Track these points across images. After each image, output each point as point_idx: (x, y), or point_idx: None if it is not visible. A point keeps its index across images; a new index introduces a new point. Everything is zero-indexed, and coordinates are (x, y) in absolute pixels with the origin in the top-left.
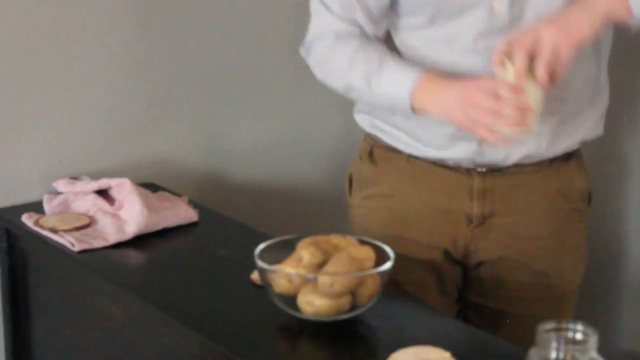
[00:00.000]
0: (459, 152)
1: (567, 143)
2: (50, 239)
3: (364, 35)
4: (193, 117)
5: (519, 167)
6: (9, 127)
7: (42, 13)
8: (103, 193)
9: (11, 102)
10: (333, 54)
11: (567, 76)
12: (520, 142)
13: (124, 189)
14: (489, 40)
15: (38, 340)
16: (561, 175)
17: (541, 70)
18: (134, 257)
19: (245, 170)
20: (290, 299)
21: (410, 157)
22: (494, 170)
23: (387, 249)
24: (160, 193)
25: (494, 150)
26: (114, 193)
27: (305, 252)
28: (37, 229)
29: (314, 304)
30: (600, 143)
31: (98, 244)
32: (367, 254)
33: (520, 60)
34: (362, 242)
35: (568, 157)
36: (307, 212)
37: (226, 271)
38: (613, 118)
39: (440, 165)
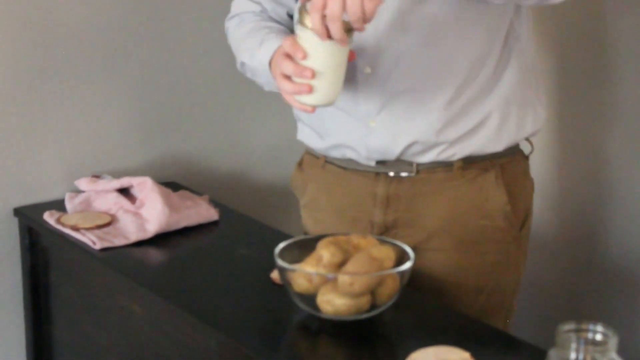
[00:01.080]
0: (353, 138)
1: (463, 130)
2: (72, 237)
3: (267, 15)
4: (214, 117)
5: (427, 174)
6: (32, 126)
7: (67, 11)
8: (124, 191)
9: (34, 102)
10: (234, 34)
11: (445, 54)
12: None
13: (145, 188)
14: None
15: (59, 337)
16: (475, 187)
17: (315, 22)
18: (155, 255)
19: (266, 170)
20: (310, 298)
21: (326, 163)
22: (401, 176)
23: (407, 248)
24: (181, 192)
25: (379, 133)
26: (135, 192)
27: (325, 252)
28: (58, 227)
29: (333, 303)
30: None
31: (119, 242)
32: (387, 253)
33: (313, 20)
34: (382, 242)
35: (485, 169)
36: None
37: (246, 270)
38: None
39: (351, 170)
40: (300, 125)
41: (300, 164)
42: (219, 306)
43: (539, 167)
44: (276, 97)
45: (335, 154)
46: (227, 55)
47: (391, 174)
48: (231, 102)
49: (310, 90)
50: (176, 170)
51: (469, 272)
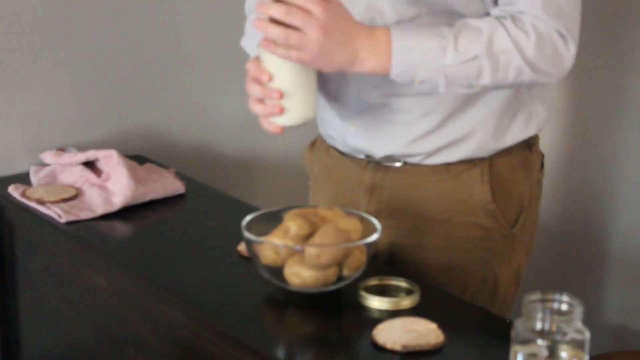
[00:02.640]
0: (338, 135)
1: (445, 141)
2: (37, 211)
3: None
4: (181, 89)
5: (413, 166)
6: None
7: None
8: (90, 165)
9: None
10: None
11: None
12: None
13: (111, 161)
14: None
15: (25, 311)
16: (460, 183)
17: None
18: (121, 228)
19: (233, 143)
20: (277, 271)
21: (329, 148)
22: (388, 166)
23: (374, 221)
24: (147, 165)
25: (358, 137)
26: (101, 165)
27: (292, 224)
28: (23, 200)
29: (300, 275)
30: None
31: (85, 215)
32: (354, 225)
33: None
34: (349, 214)
35: (472, 164)
36: (294, 184)
37: (213, 243)
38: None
39: (348, 156)
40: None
41: (313, 144)
42: (186, 279)
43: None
44: (242, 70)
45: (332, 141)
46: (193, 25)
47: (383, 163)
48: (197, 74)
49: (282, 111)
50: (142, 143)
51: (452, 270)
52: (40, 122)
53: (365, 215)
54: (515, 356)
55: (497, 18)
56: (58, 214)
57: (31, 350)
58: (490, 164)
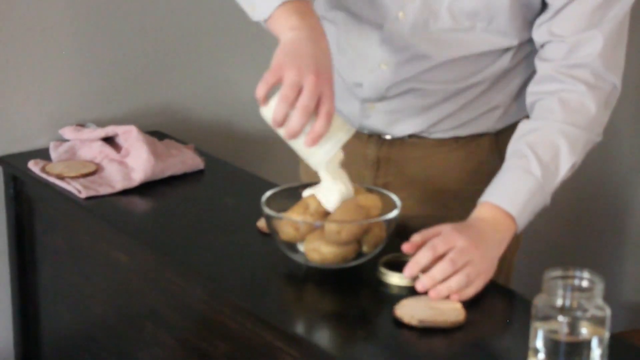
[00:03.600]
0: (350, 113)
1: (461, 121)
2: (57, 186)
3: None
4: (200, 65)
5: (419, 138)
6: (15, 75)
7: None
8: (109, 140)
9: (17, 50)
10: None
11: (461, 63)
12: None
13: (130, 137)
14: None
15: (44, 287)
16: (468, 151)
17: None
18: (141, 204)
19: (252, 119)
20: (297, 247)
21: None
22: (393, 140)
23: (394, 197)
24: (166, 141)
25: (375, 118)
26: (120, 140)
27: (312, 200)
28: (43, 175)
29: (320, 251)
30: None
31: (104, 190)
32: (374, 201)
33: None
34: (369, 190)
35: (477, 136)
36: None
37: (233, 219)
38: None
39: None
40: None
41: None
42: (205, 255)
43: None
44: (262, 46)
45: None
46: (213, 2)
47: (386, 136)
48: (217, 50)
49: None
50: (161, 119)
51: None
52: (59, 98)
53: (385, 191)
54: (536, 333)
55: (561, 102)
56: (78, 189)
57: (50, 326)
58: (497, 134)
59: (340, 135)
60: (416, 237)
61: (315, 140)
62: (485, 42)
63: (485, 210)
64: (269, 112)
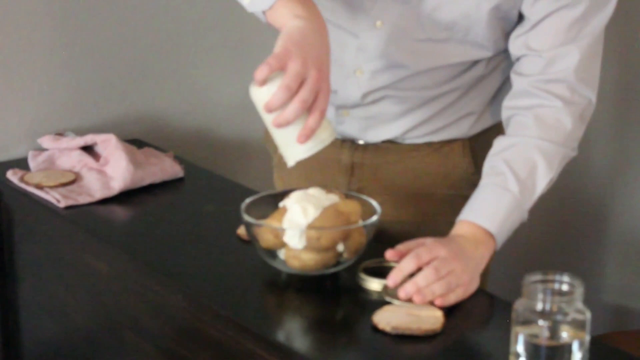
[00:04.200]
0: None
1: (435, 128)
2: (36, 195)
3: None
4: (179, 73)
5: (392, 143)
6: None
7: None
8: (88, 149)
9: None
10: None
11: (436, 72)
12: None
13: (109, 145)
14: None
15: (24, 298)
16: (441, 156)
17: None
18: (120, 212)
19: (231, 126)
20: (277, 254)
21: None
22: (366, 145)
23: (374, 202)
24: (145, 149)
25: (348, 125)
26: (99, 149)
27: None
28: (22, 185)
29: (300, 258)
30: None
31: (84, 200)
32: (354, 207)
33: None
34: (348, 196)
35: (452, 140)
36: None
37: (212, 226)
38: None
39: None
40: None
41: None
42: (186, 263)
43: None
44: (240, 53)
45: None
46: (192, 9)
47: (359, 141)
48: (195, 57)
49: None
50: (140, 127)
51: None
52: (37, 107)
53: (364, 197)
54: (517, 337)
55: (537, 118)
56: (57, 198)
57: (31, 336)
58: (470, 139)
59: (324, 136)
60: (400, 247)
61: (309, 136)
62: (461, 53)
63: (465, 228)
64: (262, 95)
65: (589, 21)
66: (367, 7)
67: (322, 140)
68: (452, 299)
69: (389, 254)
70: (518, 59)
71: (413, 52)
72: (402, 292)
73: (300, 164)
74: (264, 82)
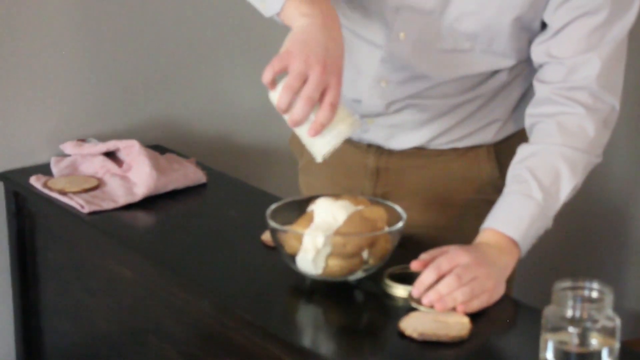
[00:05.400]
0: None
1: (459, 135)
2: (59, 201)
3: None
4: (201, 79)
5: (418, 149)
6: (16, 90)
7: None
8: (111, 155)
9: (18, 65)
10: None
11: (461, 80)
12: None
13: (132, 151)
14: None
15: (47, 303)
16: (466, 161)
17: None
18: (144, 218)
19: (253, 132)
20: None
21: None
22: (392, 149)
23: (398, 208)
24: (168, 155)
25: (373, 133)
26: (122, 155)
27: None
28: (45, 191)
29: (326, 264)
30: None
31: (107, 205)
32: (379, 214)
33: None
34: (374, 202)
35: (478, 146)
36: None
37: (236, 232)
38: None
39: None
40: None
41: None
42: (210, 268)
43: None
44: (262, 59)
45: None
46: (214, 15)
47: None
48: (217, 63)
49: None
50: (162, 133)
51: None
52: (60, 113)
53: (389, 203)
54: (546, 344)
55: (560, 125)
56: (80, 204)
57: (53, 341)
58: (495, 144)
59: (341, 128)
60: (424, 255)
61: (318, 130)
62: (484, 63)
63: (489, 236)
64: (275, 98)
65: (610, 28)
66: (389, 19)
67: (339, 132)
68: (476, 305)
69: (414, 265)
70: (541, 66)
71: (437, 63)
72: (425, 300)
73: (327, 168)
74: (273, 85)
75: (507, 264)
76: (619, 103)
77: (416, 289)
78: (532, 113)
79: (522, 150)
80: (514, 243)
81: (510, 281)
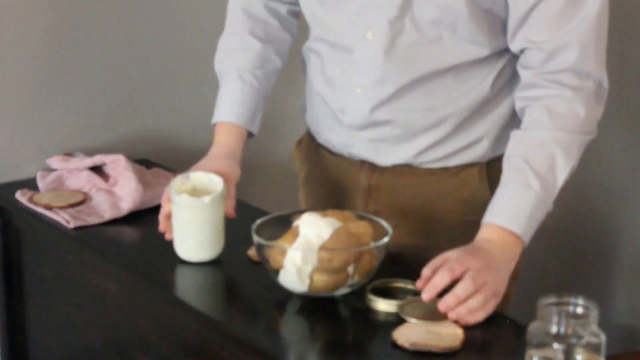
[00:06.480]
0: (339, 142)
1: (446, 152)
2: (45, 216)
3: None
4: (186, 93)
5: (409, 167)
6: (2, 104)
7: None
8: (97, 169)
9: (3, 80)
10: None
11: (438, 89)
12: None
13: (118, 165)
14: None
15: (33, 317)
16: (458, 181)
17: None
18: (129, 233)
19: None
20: None
21: (319, 148)
22: (383, 167)
23: (385, 223)
24: (154, 169)
25: (359, 147)
26: (108, 169)
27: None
28: (31, 205)
29: (311, 279)
30: None
31: (93, 220)
32: (365, 229)
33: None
34: (360, 217)
35: (468, 165)
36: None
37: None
38: None
39: (339, 156)
40: (308, 105)
41: (299, 143)
42: (195, 283)
43: None
44: None
45: (327, 143)
46: (198, 30)
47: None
48: (203, 78)
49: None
50: (149, 147)
51: None
52: (46, 127)
53: (376, 218)
54: None
55: (549, 110)
56: (66, 219)
57: (39, 356)
58: (487, 163)
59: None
60: (426, 272)
61: None
62: (454, 53)
63: (491, 232)
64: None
65: (579, 6)
66: (356, 20)
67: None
68: (481, 316)
69: (419, 284)
70: (522, 52)
71: (405, 59)
72: (442, 305)
73: (324, 184)
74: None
75: (512, 258)
76: (606, 76)
77: (427, 292)
78: (520, 96)
79: (514, 138)
80: (516, 236)
81: (506, 298)
